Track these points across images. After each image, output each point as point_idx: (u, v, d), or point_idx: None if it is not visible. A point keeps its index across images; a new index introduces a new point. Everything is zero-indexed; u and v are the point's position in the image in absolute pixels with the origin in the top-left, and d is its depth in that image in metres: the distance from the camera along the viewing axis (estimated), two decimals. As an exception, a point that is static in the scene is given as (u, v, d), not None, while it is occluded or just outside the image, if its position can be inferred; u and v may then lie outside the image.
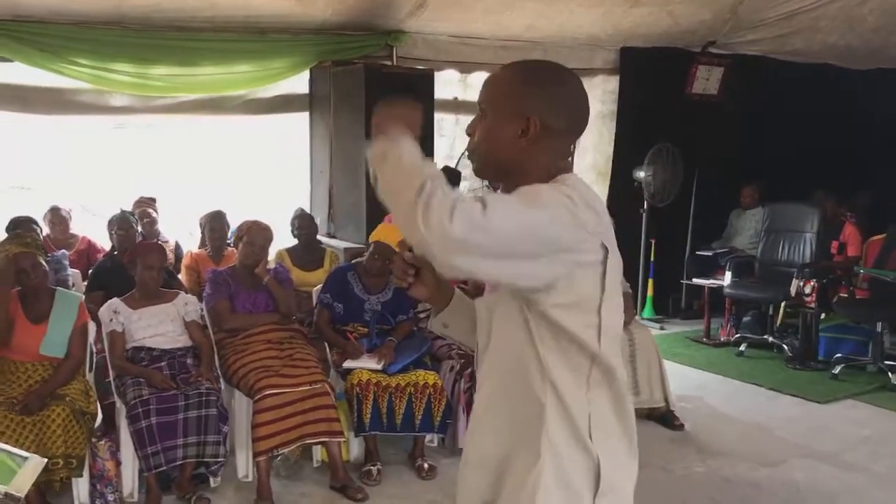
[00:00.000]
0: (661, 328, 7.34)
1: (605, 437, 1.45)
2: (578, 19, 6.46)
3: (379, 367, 4.13)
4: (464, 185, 6.18)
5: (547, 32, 6.64)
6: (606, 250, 1.41)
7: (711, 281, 6.90)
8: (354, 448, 4.25)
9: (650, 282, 7.61)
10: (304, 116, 6.45)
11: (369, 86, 5.59)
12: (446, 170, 1.56)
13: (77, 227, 5.81)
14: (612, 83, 7.40)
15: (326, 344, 4.43)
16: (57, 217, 5.59)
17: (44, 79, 5.58)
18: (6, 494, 2.39)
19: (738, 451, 4.51)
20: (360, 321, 4.39)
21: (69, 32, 5.37)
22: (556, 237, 1.33)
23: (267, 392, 3.83)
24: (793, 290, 6.08)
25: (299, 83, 6.27)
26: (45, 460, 2.63)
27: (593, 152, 7.71)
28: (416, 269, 1.62)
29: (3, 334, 3.64)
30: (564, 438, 1.43)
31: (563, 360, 1.43)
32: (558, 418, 1.43)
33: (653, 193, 7.40)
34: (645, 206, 7.43)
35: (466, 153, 1.58)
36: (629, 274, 7.20)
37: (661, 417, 4.90)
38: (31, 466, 2.58)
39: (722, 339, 6.84)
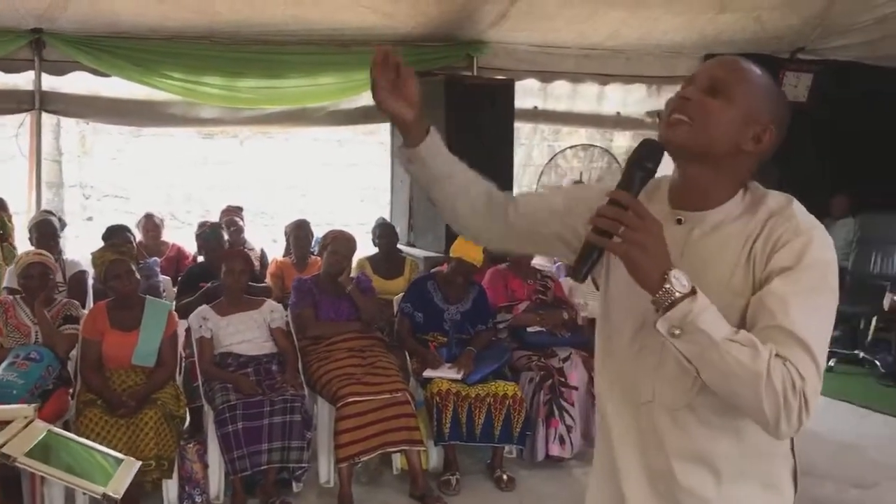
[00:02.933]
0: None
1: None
2: (663, 26, 6.38)
3: (458, 376, 4.15)
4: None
5: (629, 40, 6.59)
6: None
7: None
8: (434, 457, 4.28)
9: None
10: (386, 128, 6.53)
11: (449, 96, 5.63)
12: (650, 143, 1.37)
13: (167, 235, 6.03)
14: (696, 91, 7.27)
15: (406, 353, 4.47)
16: (151, 224, 5.82)
17: (139, 91, 5.84)
18: (104, 495, 2.50)
19: (827, 472, 4.35)
20: (440, 330, 4.42)
21: (163, 47, 5.61)
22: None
23: (349, 399, 3.89)
24: (886, 304, 5.87)
25: (382, 94, 6.34)
26: (139, 462, 2.75)
27: (670, 161, 7.57)
28: (398, 71, 1.46)
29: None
30: None
31: None
32: None
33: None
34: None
35: (671, 116, 1.40)
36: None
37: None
38: (126, 468, 2.71)
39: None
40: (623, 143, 9.31)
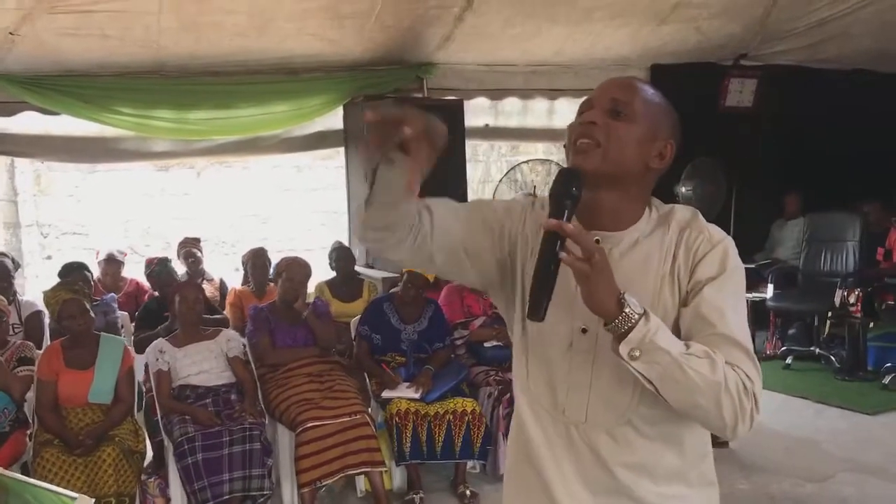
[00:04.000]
0: (707, 344, 7.28)
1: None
2: (606, 41, 6.51)
3: (417, 395, 4.20)
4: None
5: (576, 56, 6.70)
6: None
7: (754, 294, 6.82)
8: (397, 477, 4.31)
9: (695, 298, 7.53)
10: (340, 151, 6.59)
11: (399, 118, 5.68)
12: (567, 171, 1.35)
13: (127, 269, 6.03)
14: (644, 101, 7.41)
15: (366, 375, 4.51)
16: (111, 266, 5.82)
17: (90, 128, 5.84)
18: (56, 534, 2.51)
19: (783, 467, 4.47)
20: (398, 351, 4.47)
21: (112, 83, 5.62)
22: None
23: (308, 425, 3.92)
24: (837, 300, 6.01)
25: (334, 119, 6.41)
26: (93, 501, 2.76)
27: (629, 170, 7.73)
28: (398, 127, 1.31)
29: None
30: None
31: None
32: None
33: (696, 208, 7.34)
34: (685, 222, 7.38)
35: (578, 142, 1.41)
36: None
37: (706, 435, 4.86)
38: (80, 506, 2.71)
39: (768, 353, 6.75)
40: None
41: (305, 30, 5.48)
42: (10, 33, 4.96)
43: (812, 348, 6.47)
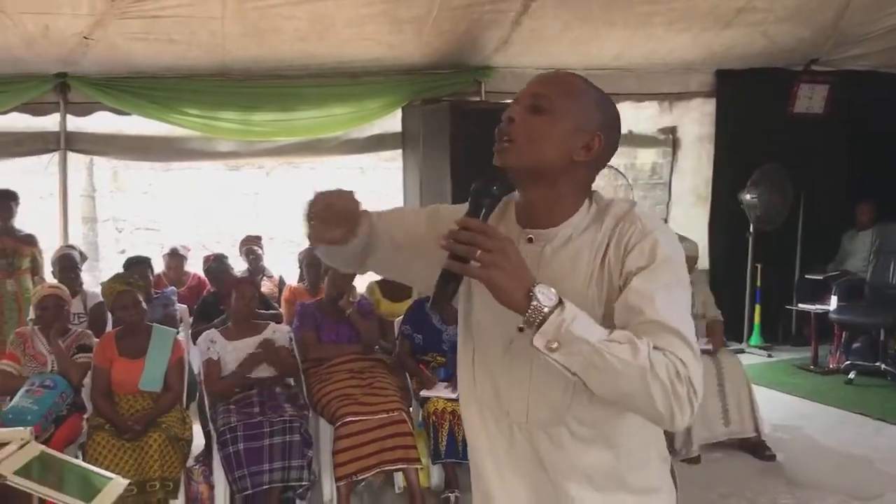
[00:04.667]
0: (769, 356, 7.12)
1: None
2: (668, 45, 6.45)
3: (454, 395, 4.24)
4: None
5: (636, 59, 6.66)
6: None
7: (818, 306, 6.63)
8: (434, 475, 4.36)
9: (757, 308, 7.38)
10: (398, 154, 6.70)
11: (454, 122, 5.76)
12: (491, 176, 1.41)
13: (196, 265, 6.26)
14: (710, 106, 7.31)
15: (407, 373, 4.58)
16: (174, 260, 6.06)
17: (159, 128, 6.10)
18: (86, 511, 2.66)
19: (831, 484, 4.33)
20: (439, 351, 4.53)
21: (179, 85, 5.86)
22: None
23: (347, 419, 4.01)
24: (906, 315, 5.79)
25: (392, 122, 6.52)
26: (127, 482, 2.91)
27: (692, 176, 7.62)
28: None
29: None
30: None
31: None
32: None
33: (759, 216, 7.21)
34: (751, 230, 7.24)
35: (501, 141, 1.43)
36: (733, 300, 7.06)
37: (752, 447, 4.76)
38: (113, 487, 2.87)
39: (831, 367, 6.55)
40: (647, 159, 9.32)
41: (364, 34, 5.61)
42: (85, 37, 5.24)
43: (878, 364, 6.23)
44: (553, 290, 1.27)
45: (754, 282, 7.33)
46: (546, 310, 1.25)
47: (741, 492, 4.25)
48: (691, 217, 7.68)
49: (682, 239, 4.98)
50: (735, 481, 4.41)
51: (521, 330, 1.36)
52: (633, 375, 1.25)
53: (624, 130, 7.31)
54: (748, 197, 7.11)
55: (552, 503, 1.47)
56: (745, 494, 4.25)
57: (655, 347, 1.27)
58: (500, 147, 1.43)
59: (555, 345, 1.26)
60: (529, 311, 1.26)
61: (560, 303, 1.27)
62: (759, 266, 7.29)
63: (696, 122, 7.41)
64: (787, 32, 6.53)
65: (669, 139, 7.78)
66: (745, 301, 7.36)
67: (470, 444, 1.60)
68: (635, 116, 7.29)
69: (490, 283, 1.27)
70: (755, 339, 7.40)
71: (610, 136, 1.46)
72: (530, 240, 1.47)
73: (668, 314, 1.30)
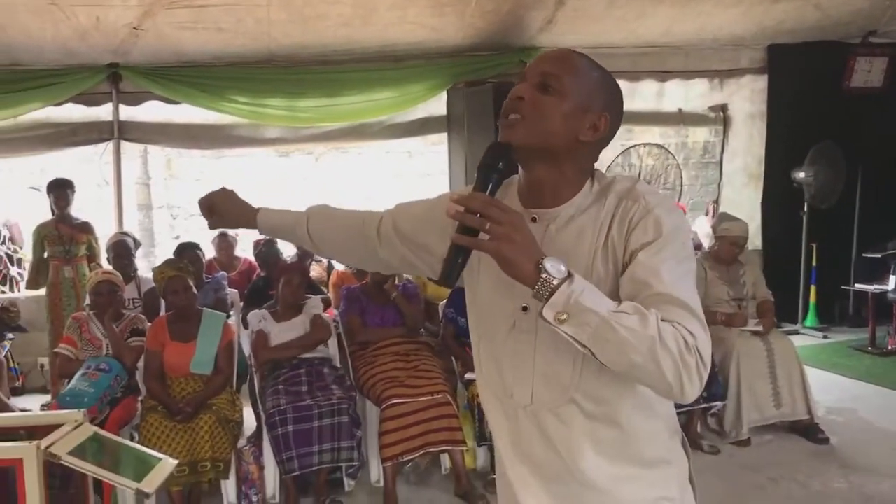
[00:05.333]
0: (825, 337, 6.97)
1: None
2: (717, 20, 6.31)
3: (498, 378, 4.24)
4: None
5: (685, 36, 6.54)
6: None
7: (876, 286, 6.46)
8: (480, 457, 4.38)
9: (812, 288, 7.22)
10: (444, 137, 6.70)
11: (498, 103, 5.69)
12: (497, 146, 1.40)
13: (242, 250, 6.38)
14: (761, 82, 7.15)
15: (452, 356, 4.61)
16: (224, 242, 6.17)
17: (208, 116, 6.21)
18: (137, 490, 2.75)
19: (885, 468, 4.24)
20: (484, 334, 4.53)
21: (227, 73, 5.95)
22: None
23: (392, 401, 4.05)
24: None
25: (437, 105, 6.53)
26: (176, 462, 2.99)
27: (743, 154, 7.47)
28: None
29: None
30: None
31: None
32: None
33: (813, 194, 7.04)
34: (805, 209, 7.08)
35: (507, 117, 1.43)
36: (786, 279, 6.93)
37: (805, 430, 4.68)
38: (162, 467, 2.95)
39: (889, 349, 6.39)
40: (700, 137, 9.18)
41: (407, 18, 5.61)
42: (135, 28, 5.35)
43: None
44: (562, 263, 1.27)
45: (809, 261, 7.17)
46: (555, 282, 1.25)
47: (792, 475, 4.19)
48: (743, 196, 7.54)
49: (731, 218, 4.99)
50: (786, 464, 4.34)
51: (524, 310, 1.37)
52: (642, 345, 1.23)
53: (673, 108, 7.22)
54: (802, 175, 6.94)
55: (565, 482, 1.47)
56: (796, 478, 4.18)
57: (664, 319, 1.26)
58: (508, 122, 1.43)
59: (564, 316, 1.25)
60: (539, 283, 1.26)
61: (569, 275, 1.26)
62: (814, 245, 7.13)
63: (746, 99, 7.26)
64: (842, 4, 6.33)
65: (720, 117, 7.64)
66: (800, 281, 7.20)
67: (490, 426, 1.62)
68: (684, 94, 7.18)
69: (500, 256, 1.27)
70: (810, 320, 7.25)
71: (614, 116, 1.45)
72: (534, 219, 1.47)
73: (674, 287, 1.30)
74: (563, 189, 1.46)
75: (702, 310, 1.32)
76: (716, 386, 4.56)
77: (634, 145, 7.73)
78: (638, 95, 7.01)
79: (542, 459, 1.49)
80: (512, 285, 1.32)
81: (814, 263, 7.16)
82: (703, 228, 7.55)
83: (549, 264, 1.26)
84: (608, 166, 7.71)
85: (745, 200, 7.42)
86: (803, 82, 6.86)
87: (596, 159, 1.50)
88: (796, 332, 6.97)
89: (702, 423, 4.75)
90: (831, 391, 5.44)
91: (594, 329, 1.25)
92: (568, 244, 1.42)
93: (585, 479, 1.46)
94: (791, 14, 6.32)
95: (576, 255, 1.40)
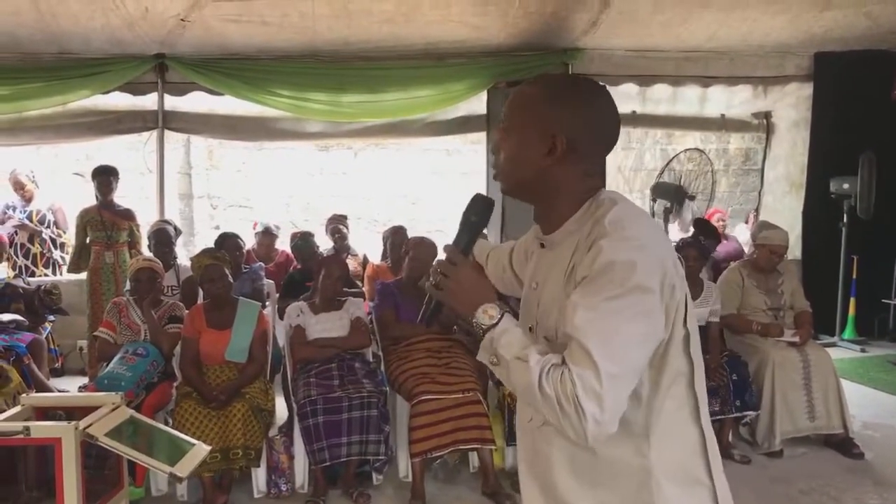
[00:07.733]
0: (863, 350, 6.85)
1: None
2: (764, 27, 6.23)
3: (529, 378, 4.24)
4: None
5: (731, 42, 6.47)
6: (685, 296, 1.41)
7: (915, 301, 6.35)
8: (510, 456, 4.37)
9: (852, 301, 7.11)
10: (482, 136, 6.71)
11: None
12: (479, 198, 1.47)
13: (280, 242, 6.44)
14: (806, 90, 7.05)
15: (485, 354, 4.61)
16: (266, 238, 6.24)
17: (251, 109, 6.28)
18: (171, 474, 2.80)
19: (920, 485, 4.17)
20: (517, 333, 4.53)
21: (271, 66, 6.02)
22: (658, 329, 1.35)
23: (423, 397, 4.07)
24: None
25: (477, 104, 6.53)
26: (209, 448, 3.04)
27: (786, 162, 7.38)
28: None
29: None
30: None
31: None
32: None
33: (856, 205, 6.92)
34: (845, 220, 6.97)
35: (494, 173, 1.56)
36: (825, 291, 6.82)
37: (839, 444, 4.61)
38: (196, 452, 3.00)
39: (930, 365, 6.27)
40: (741, 144, 9.08)
41: (450, 16, 5.62)
42: (182, 19, 5.43)
43: None
44: (498, 308, 1.39)
45: (849, 273, 7.06)
46: (484, 327, 1.39)
47: (824, 489, 4.13)
48: (784, 205, 7.45)
49: (771, 226, 4.93)
50: (818, 477, 4.28)
51: (531, 330, 1.51)
52: (525, 393, 1.33)
53: (715, 114, 7.14)
54: (846, 185, 6.84)
55: (551, 496, 1.53)
56: (828, 492, 4.12)
57: (562, 363, 1.29)
58: (496, 180, 1.55)
59: (494, 359, 1.39)
60: (474, 327, 1.42)
61: (498, 321, 1.38)
62: (854, 257, 7.01)
63: (791, 106, 7.17)
64: (891, 13, 6.21)
65: (763, 124, 7.55)
66: (839, 293, 7.09)
67: None
68: (728, 100, 7.11)
69: (446, 303, 1.46)
70: (849, 332, 7.14)
71: (580, 132, 1.43)
72: (542, 245, 1.56)
73: (582, 329, 1.29)
74: (554, 215, 1.51)
75: (625, 350, 1.29)
76: (749, 395, 4.52)
77: (677, 154, 7.69)
78: (680, 99, 6.96)
79: (536, 472, 1.57)
80: (524, 309, 1.51)
81: (854, 276, 7.05)
82: (743, 236, 7.47)
83: (482, 310, 1.40)
84: (659, 173, 7.70)
85: (785, 209, 7.33)
86: (849, 91, 6.75)
87: (581, 180, 1.47)
88: (834, 345, 6.86)
89: (734, 432, 4.70)
90: (868, 406, 5.35)
91: (504, 372, 1.37)
92: (551, 268, 1.50)
93: (558, 496, 1.51)
94: (840, 22, 6.22)
95: (554, 279, 1.48)
